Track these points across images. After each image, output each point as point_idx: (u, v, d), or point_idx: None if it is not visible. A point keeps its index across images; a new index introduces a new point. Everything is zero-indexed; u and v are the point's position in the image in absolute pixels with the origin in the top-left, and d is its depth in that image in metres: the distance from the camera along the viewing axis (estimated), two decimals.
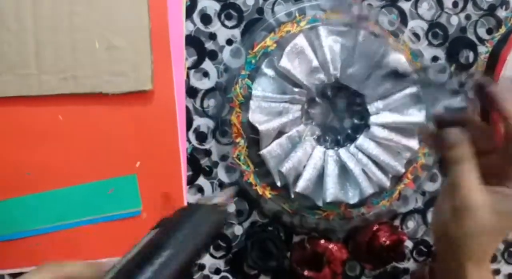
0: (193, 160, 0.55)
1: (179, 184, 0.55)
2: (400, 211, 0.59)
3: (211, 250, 0.56)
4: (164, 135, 0.54)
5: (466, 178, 0.40)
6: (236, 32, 0.55)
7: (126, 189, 0.54)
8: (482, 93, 0.41)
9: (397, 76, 0.51)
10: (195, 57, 0.55)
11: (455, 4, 0.59)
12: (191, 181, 0.56)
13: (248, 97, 0.53)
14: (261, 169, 0.54)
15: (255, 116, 0.52)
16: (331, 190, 0.53)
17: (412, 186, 0.58)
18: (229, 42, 0.55)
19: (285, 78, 0.53)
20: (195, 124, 0.55)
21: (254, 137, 0.53)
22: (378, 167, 0.54)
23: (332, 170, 0.54)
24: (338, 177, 0.54)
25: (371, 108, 0.54)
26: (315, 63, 0.52)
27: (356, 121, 0.56)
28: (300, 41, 0.52)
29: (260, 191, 0.55)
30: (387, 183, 0.54)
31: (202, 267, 0.56)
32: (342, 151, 0.54)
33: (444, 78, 0.53)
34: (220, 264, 0.57)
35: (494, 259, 0.62)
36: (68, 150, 0.53)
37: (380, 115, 0.54)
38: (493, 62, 0.53)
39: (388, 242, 0.55)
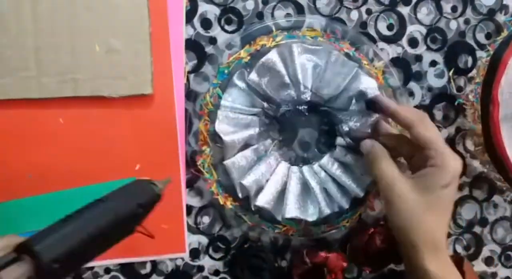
0: (192, 164, 0.55)
1: (178, 187, 0.55)
2: None
3: (210, 251, 0.56)
4: (163, 138, 0.54)
5: (385, 170, 0.47)
6: (237, 38, 0.54)
7: None
8: (375, 107, 0.51)
9: (365, 99, 0.52)
10: (195, 61, 0.54)
11: (454, 9, 0.58)
12: (190, 184, 0.55)
13: (217, 106, 0.52)
14: (224, 179, 0.54)
15: (221, 126, 0.51)
16: (291, 206, 0.53)
17: (373, 209, 0.57)
18: (229, 46, 0.54)
19: (255, 92, 0.52)
20: (194, 128, 0.55)
21: (219, 147, 0.53)
22: (339, 188, 0.54)
23: (294, 187, 0.53)
24: (299, 194, 0.53)
25: (338, 128, 0.54)
26: (286, 79, 0.51)
27: (323, 140, 0.55)
28: (273, 56, 0.51)
29: (221, 201, 0.54)
30: (346, 204, 0.54)
31: (201, 268, 0.56)
32: (305, 169, 0.54)
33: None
34: (219, 265, 0.57)
35: (490, 263, 0.61)
36: (68, 153, 0.53)
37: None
38: (494, 66, 0.52)
39: (384, 244, 0.55)
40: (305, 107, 0.54)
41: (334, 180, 0.53)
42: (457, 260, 0.50)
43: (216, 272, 0.57)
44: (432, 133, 0.47)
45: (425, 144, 0.46)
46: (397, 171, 0.47)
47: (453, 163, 0.46)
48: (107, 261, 0.55)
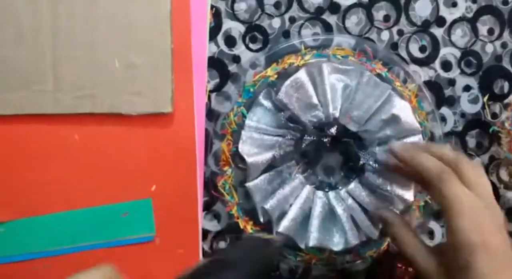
0: (210, 185, 0.52)
1: (195, 210, 0.51)
2: None
3: None
4: (181, 158, 0.51)
5: (403, 247, 0.42)
6: (261, 57, 0.51)
7: (140, 213, 0.51)
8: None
9: (399, 123, 0.48)
10: (217, 80, 0.52)
11: (490, 31, 0.54)
12: (207, 207, 0.52)
13: (241, 126, 0.49)
14: (246, 202, 0.50)
15: (245, 147, 0.48)
16: (315, 234, 0.49)
17: None
18: (253, 65, 0.51)
19: (282, 112, 0.49)
20: (214, 148, 0.51)
21: (242, 168, 0.50)
22: (367, 216, 0.50)
23: (319, 213, 0.49)
24: (324, 221, 0.49)
25: (364, 155, 0.50)
26: (315, 100, 0.48)
27: (349, 164, 0.52)
28: (302, 75, 0.48)
29: (242, 225, 0.51)
30: (375, 234, 0.49)
31: None
32: (332, 194, 0.50)
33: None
34: None
35: None
36: (83, 171, 0.50)
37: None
38: None
39: (409, 275, 0.50)
40: (329, 139, 0.51)
41: (362, 207, 0.50)
42: None
43: None
44: (449, 195, 0.38)
45: (442, 208, 0.39)
46: (420, 247, 0.41)
47: (466, 238, 0.37)
48: None
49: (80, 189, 0.50)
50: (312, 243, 0.49)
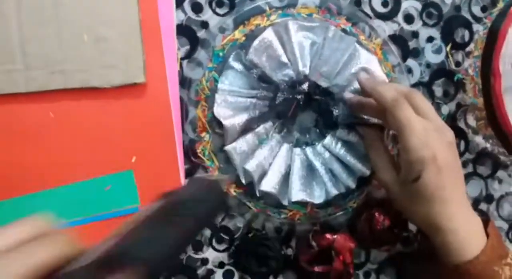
0: (190, 153, 0.52)
1: (177, 178, 0.51)
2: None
3: (214, 243, 0.53)
4: (159, 128, 0.50)
5: (374, 160, 0.47)
6: (229, 21, 0.51)
7: (123, 185, 0.50)
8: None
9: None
10: (187, 47, 0.51)
11: None
12: (189, 174, 0.52)
13: (214, 91, 0.49)
14: (226, 165, 0.51)
15: (220, 111, 0.48)
16: (297, 189, 0.50)
17: (380, 188, 0.54)
18: (222, 30, 0.51)
19: (253, 73, 0.49)
20: (191, 116, 0.51)
21: (219, 133, 0.50)
22: (344, 168, 0.51)
23: (298, 169, 0.50)
24: (304, 176, 0.50)
25: (339, 107, 0.51)
26: (284, 58, 0.48)
27: (323, 121, 0.52)
28: (269, 35, 0.48)
29: (224, 188, 0.51)
30: (353, 184, 0.51)
31: (205, 261, 0.53)
32: (309, 150, 0.51)
33: None
34: (224, 257, 0.53)
35: None
36: (61, 148, 0.49)
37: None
38: (493, 38, 0.50)
39: (387, 221, 0.52)
40: (302, 96, 0.51)
41: (339, 160, 0.50)
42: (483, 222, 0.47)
43: (221, 264, 0.53)
44: (401, 117, 0.42)
45: (396, 131, 0.43)
46: (386, 160, 0.45)
47: (417, 154, 0.41)
48: None
49: (60, 166, 0.49)
50: (294, 198, 0.49)
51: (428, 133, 0.41)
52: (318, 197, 0.50)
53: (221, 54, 0.50)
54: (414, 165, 0.41)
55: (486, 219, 0.46)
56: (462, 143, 0.57)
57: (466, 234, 0.43)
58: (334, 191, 0.50)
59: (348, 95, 0.50)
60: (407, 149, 0.41)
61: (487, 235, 0.44)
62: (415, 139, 0.41)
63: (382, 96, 0.43)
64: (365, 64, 0.49)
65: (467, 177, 0.57)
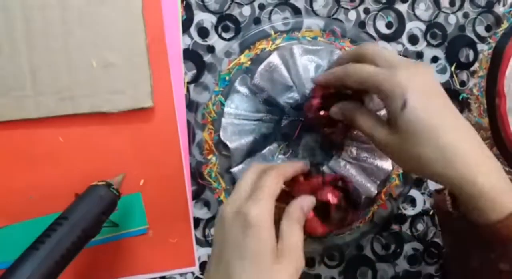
0: (197, 175, 0.52)
1: (184, 200, 0.52)
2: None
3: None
4: (166, 151, 0.51)
5: (361, 126, 0.40)
6: (235, 45, 0.51)
7: (132, 208, 0.51)
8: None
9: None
10: (194, 71, 0.51)
11: (452, 3, 0.55)
12: (196, 196, 0.52)
13: (220, 114, 0.49)
14: (233, 187, 0.49)
15: (226, 134, 0.49)
16: None
17: (386, 208, 0.53)
18: (228, 54, 0.51)
19: (259, 96, 0.49)
20: (197, 138, 0.51)
21: (226, 155, 0.50)
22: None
23: None
24: None
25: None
26: (289, 81, 0.48)
27: (327, 143, 0.52)
28: (274, 59, 0.48)
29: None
30: (360, 201, 0.50)
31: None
32: (314, 171, 0.50)
33: None
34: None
35: None
36: (70, 172, 0.50)
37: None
38: (498, 58, 0.49)
39: (336, 199, 0.44)
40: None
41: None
42: None
43: None
44: (357, 67, 0.39)
45: (359, 82, 0.39)
46: (373, 119, 0.40)
47: (389, 79, 0.36)
48: None
49: (69, 190, 0.49)
50: None
51: (396, 60, 0.38)
52: None
53: (227, 77, 0.50)
54: (394, 92, 0.36)
55: None
56: None
57: (495, 181, 0.35)
58: None
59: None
60: (379, 83, 0.37)
61: None
62: (379, 75, 0.37)
63: (333, 75, 0.41)
64: None
65: None
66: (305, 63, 0.49)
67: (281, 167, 0.40)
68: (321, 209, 0.42)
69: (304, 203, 0.39)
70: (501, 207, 0.34)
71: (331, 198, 0.42)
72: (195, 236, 0.52)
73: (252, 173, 0.39)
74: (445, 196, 0.41)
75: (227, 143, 0.48)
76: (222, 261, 0.35)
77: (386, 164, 0.50)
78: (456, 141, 0.36)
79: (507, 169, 0.55)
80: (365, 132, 0.40)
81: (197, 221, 0.52)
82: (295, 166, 0.41)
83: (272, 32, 0.51)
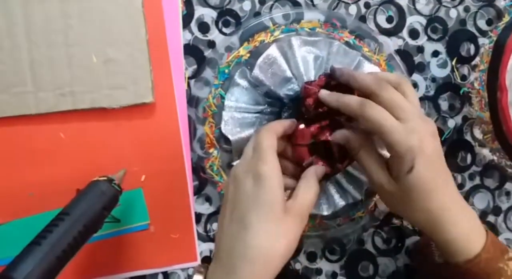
0: (199, 170, 0.52)
1: (186, 195, 0.51)
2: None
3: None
4: (167, 146, 0.50)
5: (363, 162, 0.43)
6: (235, 39, 0.51)
7: (133, 203, 0.50)
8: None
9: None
10: (195, 66, 0.51)
11: None
12: (198, 191, 0.52)
13: (221, 107, 0.49)
14: None
15: (227, 127, 0.49)
16: None
17: None
18: (229, 49, 0.51)
19: (259, 89, 0.49)
20: (198, 133, 0.51)
21: (227, 148, 0.50)
22: (352, 180, 0.50)
23: None
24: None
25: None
26: (288, 73, 0.48)
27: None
28: (273, 51, 0.48)
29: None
30: (359, 196, 0.50)
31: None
32: None
33: None
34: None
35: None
36: (71, 168, 0.49)
37: None
38: (499, 52, 0.49)
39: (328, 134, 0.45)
40: None
41: (346, 172, 0.50)
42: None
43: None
44: (375, 113, 0.39)
45: (372, 128, 0.40)
46: (378, 161, 0.42)
47: (404, 143, 0.39)
48: (118, 276, 0.51)
49: (70, 185, 0.48)
50: None
51: (413, 117, 0.40)
52: (326, 209, 0.50)
53: (226, 71, 0.50)
54: (405, 155, 0.39)
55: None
56: (469, 156, 0.56)
57: (467, 230, 0.42)
58: (341, 202, 0.50)
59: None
60: (393, 143, 0.39)
61: (485, 230, 0.43)
62: (395, 134, 0.39)
63: (347, 105, 0.41)
64: None
65: (475, 189, 0.57)
66: (304, 55, 0.48)
67: (270, 125, 0.42)
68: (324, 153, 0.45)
69: (318, 170, 0.43)
70: (469, 250, 0.41)
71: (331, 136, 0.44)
72: (197, 231, 0.52)
73: (252, 140, 0.42)
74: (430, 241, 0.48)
75: (229, 136, 0.48)
76: (236, 214, 0.38)
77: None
78: (443, 203, 0.41)
79: (508, 163, 0.55)
80: (366, 171, 0.43)
81: (198, 216, 0.52)
82: (284, 123, 0.43)
83: (271, 24, 0.51)
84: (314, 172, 0.42)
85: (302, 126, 0.44)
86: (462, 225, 0.41)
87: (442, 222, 0.41)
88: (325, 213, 0.50)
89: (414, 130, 0.39)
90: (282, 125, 0.42)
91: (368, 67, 0.49)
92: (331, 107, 0.43)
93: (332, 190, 0.50)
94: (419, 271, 0.53)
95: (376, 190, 0.44)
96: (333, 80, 0.44)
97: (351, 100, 0.41)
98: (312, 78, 0.48)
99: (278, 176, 0.38)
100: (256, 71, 0.47)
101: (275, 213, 0.37)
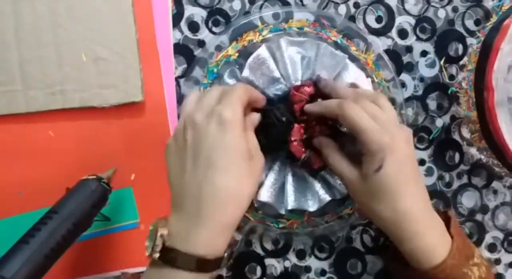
0: None
1: None
2: None
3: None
4: (157, 145, 0.50)
5: (333, 164, 0.45)
6: (225, 38, 0.51)
7: (123, 202, 0.50)
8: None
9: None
10: (184, 66, 0.51)
11: None
12: None
13: None
14: None
15: None
16: (292, 197, 0.49)
17: None
18: (218, 48, 0.50)
19: None
20: None
21: None
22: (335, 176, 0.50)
23: (292, 179, 0.50)
24: (298, 186, 0.50)
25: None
26: (277, 73, 0.48)
27: None
28: (262, 52, 0.48)
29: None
30: (345, 190, 0.49)
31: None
32: None
33: None
34: (223, 271, 0.53)
35: (494, 249, 0.58)
36: (61, 166, 0.49)
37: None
38: (486, 52, 0.49)
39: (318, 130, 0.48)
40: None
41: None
42: (445, 219, 0.46)
43: (219, 277, 0.53)
44: (352, 112, 0.41)
45: (349, 126, 0.41)
46: (346, 162, 0.44)
47: (377, 141, 0.40)
48: (108, 274, 0.51)
49: (59, 184, 0.48)
50: (290, 206, 0.49)
51: (388, 123, 0.41)
52: (312, 205, 0.50)
53: (215, 70, 0.50)
54: (376, 153, 0.40)
55: (447, 217, 0.46)
56: (457, 155, 0.56)
57: (432, 238, 0.42)
58: (327, 198, 0.50)
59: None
60: (366, 141, 0.40)
61: (451, 236, 0.44)
62: (369, 132, 0.40)
63: (328, 107, 0.44)
64: (354, 79, 0.49)
65: (462, 188, 0.57)
66: (291, 55, 0.48)
67: (246, 86, 0.43)
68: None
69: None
70: (435, 259, 0.42)
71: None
72: None
73: (217, 90, 0.41)
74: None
75: None
76: (202, 159, 0.37)
77: None
78: (409, 207, 0.41)
79: (495, 162, 0.55)
80: (335, 171, 0.45)
81: None
82: (258, 95, 0.44)
83: (259, 23, 0.50)
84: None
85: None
86: (428, 235, 0.42)
87: (409, 231, 0.42)
88: (311, 209, 0.50)
89: (388, 132, 0.41)
90: (256, 92, 0.44)
91: (354, 70, 0.49)
92: (316, 114, 0.45)
93: (317, 186, 0.50)
94: (393, 276, 0.53)
95: (344, 183, 0.45)
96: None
97: (331, 102, 0.44)
98: (299, 78, 0.48)
99: (243, 125, 0.39)
100: (246, 72, 0.47)
101: (243, 156, 0.38)
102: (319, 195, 0.50)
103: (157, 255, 0.37)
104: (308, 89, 0.47)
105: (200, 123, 0.38)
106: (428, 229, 0.43)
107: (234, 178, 0.37)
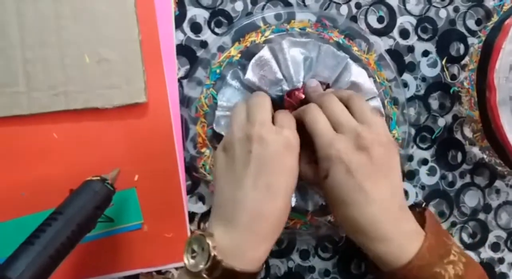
0: (192, 169, 0.51)
1: (179, 194, 0.51)
2: None
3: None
4: (160, 146, 0.50)
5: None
6: (227, 39, 0.51)
7: (126, 203, 0.50)
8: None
9: (358, 89, 0.49)
10: (187, 66, 0.51)
11: None
12: (191, 190, 0.52)
13: (213, 107, 0.49)
14: None
15: (220, 126, 0.49)
16: (293, 197, 0.49)
17: None
18: (221, 49, 0.50)
19: (250, 90, 0.49)
20: (191, 133, 0.51)
21: None
22: None
23: None
24: (300, 185, 0.49)
25: None
26: (279, 75, 0.48)
27: None
28: (265, 53, 0.48)
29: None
30: None
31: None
32: None
33: None
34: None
35: (497, 248, 0.58)
36: (65, 168, 0.49)
37: None
38: (488, 52, 0.49)
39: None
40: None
41: None
42: (420, 212, 0.45)
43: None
44: (308, 116, 0.42)
45: (308, 131, 0.42)
46: (306, 159, 0.43)
47: (324, 151, 0.40)
48: (112, 275, 0.51)
49: (63, 186, 0.48)
50: (292, 204, 0.49)
51: (350, 130, 0.41)
52: (314, 205, 0.50)
53: (218, 71, 0.50)
54: (322, 161, 0.41)
55: (423, 217, 0.44)
56: (459, 154, 0.56)
57: (399, 241, 0.40)
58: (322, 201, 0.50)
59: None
60: (317, 146, 0.41)
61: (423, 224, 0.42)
62: (320, 138, 0.41)
63: (299, 113, 0.44)
64: (355, 79, 0.49)
65: (465, 187, 0.57)
66: (293, 55, 0.48)
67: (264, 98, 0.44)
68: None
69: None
70: (400, 260, 0.40)
71: None
72: (190, 230, 0.52)
73: (267, 102, 0.43)
74: None
75: (223, 133, 0.48)
76: (264, 181, 0.38)
77: None
78: (369, 217, 0.40)
79: (498, 161, 0.55)
80: (300, 174, 0.42)
81: (192, 215, 0.52)
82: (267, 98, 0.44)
83: (262, 24, 0.50)
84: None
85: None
86: (392, 239, 0.41)
87: (370, 237, 0.41)
88: (310, 209, 0.50)
89: (340, 140, 0.40)
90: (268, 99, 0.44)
91: (356, 70, 0.49)
92: (297, 119, 0.44)
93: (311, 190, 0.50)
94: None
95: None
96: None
97: (301, 107, 0.44)
98: (301, 80, 0.48)
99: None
100: (250, 73, 0.47)
101: (295, 179, 0.40)
102: (314, 197, 0.50)
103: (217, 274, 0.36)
104: (299, 95, 0.48)
105: (268, 140, 0.39)
106: (393, 232, 0.41)
107: (288, 198, 0.39)
